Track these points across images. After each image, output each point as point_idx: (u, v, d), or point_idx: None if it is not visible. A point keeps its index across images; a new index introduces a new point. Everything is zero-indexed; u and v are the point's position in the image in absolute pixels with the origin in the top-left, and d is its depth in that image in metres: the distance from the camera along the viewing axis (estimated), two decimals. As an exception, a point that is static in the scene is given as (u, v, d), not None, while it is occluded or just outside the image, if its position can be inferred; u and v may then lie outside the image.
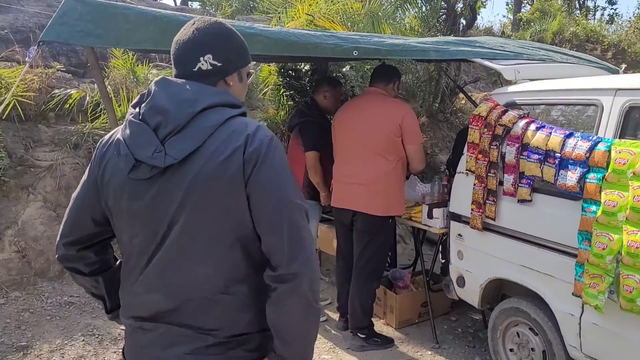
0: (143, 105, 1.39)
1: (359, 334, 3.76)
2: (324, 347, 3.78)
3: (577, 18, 14.59)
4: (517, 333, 3.17)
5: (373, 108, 3.63)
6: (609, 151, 2.46)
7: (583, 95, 2.81)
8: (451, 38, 4.30)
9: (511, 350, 3.24)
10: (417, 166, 3.71)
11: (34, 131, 5.09)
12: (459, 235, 3.44)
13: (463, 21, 8.70)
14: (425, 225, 3.77)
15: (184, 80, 1.41)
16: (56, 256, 1.56)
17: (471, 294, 3.43)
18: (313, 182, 4.06)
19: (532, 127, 2.89)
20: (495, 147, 3.09)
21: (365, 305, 3.73)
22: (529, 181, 2.90)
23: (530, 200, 2.91)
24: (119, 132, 1.43)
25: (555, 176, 2.70)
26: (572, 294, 2.62)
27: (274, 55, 4.19)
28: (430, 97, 7.94)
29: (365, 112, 3.65)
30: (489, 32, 14.47)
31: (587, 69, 3.83)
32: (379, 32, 5.96)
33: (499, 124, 3.06)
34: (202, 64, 1.42)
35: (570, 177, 2.60)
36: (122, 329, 3.77)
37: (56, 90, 5.32)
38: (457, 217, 3.45)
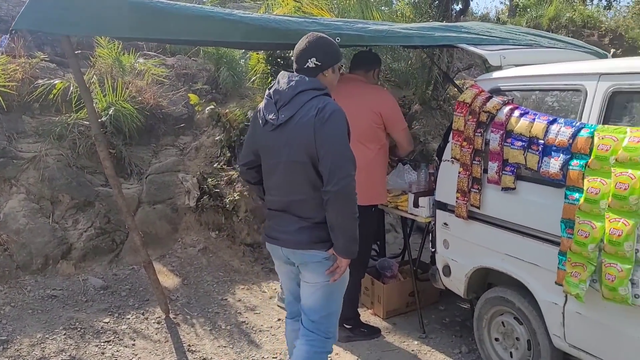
0: (272, 87, 2.46)
1: (344, 325, 3.71)
2: (309, 338, 3.73)
3: (574, 3, 14.37)
4: (502, 322, 3.13)
5: (352, 96, 3.53)
6: (592, 137, 2.40)
7: (567, 81, 2.75)
8: (437, 24, 4.21)
9: (496, 339, 3.20)
10: (406, 148, 3.67)
11: (18, 122, 5.00)
12: (445, 224, 3.39)
13: (457, 7, 8.56)
14: (411, 214, 3.71)
15: (293, 73, 2.43)
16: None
17: (457, 283, 3.38)
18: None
19: (516, 113, 2.83)
20: (479, 135, 3.03)
21: (350, 296, 3.67)
22: (512, 169, 2.84)
23: (514, 188, 2.85)
24: (262, 103, 2.50)
25: (538, 163, 2.64)
26: (555, 282, 2.58)
27: (261, 43, 4.09)
28: (424, 85, 7.84)
29: (344, 100, 3.55)
30: (485, 18, 14.28)
31: (574, 54, 3.75)
32: (369, 19, 5.86)
33: (483, 111, 3.00)
34: (309, 63, 2.40)
35: (554, 164, 2.54)
36: (105, 322, 3.74)
37: (39, 81, 5.22)
38: (443, 206, 3.40)
